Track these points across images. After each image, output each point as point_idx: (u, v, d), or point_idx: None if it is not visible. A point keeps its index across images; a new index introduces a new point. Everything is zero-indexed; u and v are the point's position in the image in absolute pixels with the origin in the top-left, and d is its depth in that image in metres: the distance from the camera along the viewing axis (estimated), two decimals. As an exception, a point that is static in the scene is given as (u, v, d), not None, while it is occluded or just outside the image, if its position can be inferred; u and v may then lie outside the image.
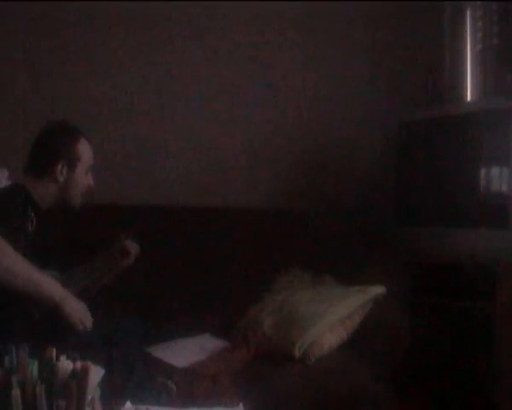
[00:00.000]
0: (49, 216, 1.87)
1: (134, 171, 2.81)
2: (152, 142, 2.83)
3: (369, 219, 2.58)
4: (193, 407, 1.52)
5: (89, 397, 1.09)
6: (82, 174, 1.88)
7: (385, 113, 2.72)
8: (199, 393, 1.75)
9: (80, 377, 1.08)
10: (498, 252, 2.20)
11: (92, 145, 1.93)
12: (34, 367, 1.09)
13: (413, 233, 2.50)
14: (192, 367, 1.95)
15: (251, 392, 1.77)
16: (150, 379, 1.75)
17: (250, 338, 2.09)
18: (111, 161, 2.71)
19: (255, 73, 2.87)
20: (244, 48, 2.86)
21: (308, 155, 2.88)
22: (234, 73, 2.86)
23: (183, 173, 2.83)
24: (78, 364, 1.10)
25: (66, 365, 1.10)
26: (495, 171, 2.34)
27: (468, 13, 2.70)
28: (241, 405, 1.48)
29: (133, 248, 1.97)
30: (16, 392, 1.04)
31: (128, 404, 1.33)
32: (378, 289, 2.19)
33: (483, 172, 2.38)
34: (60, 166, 1.82)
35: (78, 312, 1.65)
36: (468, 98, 2.71)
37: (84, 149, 1.89)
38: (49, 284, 1.61)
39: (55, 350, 1.13)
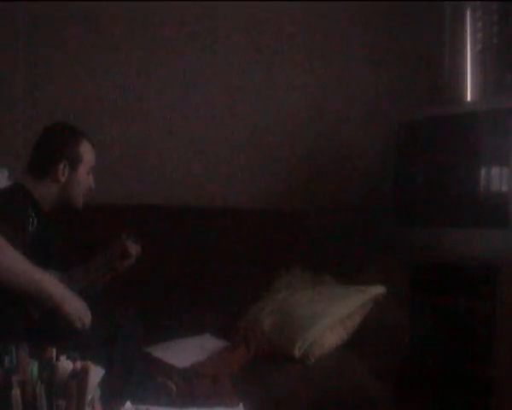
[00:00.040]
0: (49, 216, 1.87)
1: (134, 171, 2.80)
2: (152, 142, 2.83)
3: (369, 219, 2.58)
4: (193, 407, 1.52)
5: (89, 397, 1.09)
6: (83, 175, 1.88)
7: (385, 113, 2.72)
8: (199, 393, 1.76)
9: (80, 377, 1.08)
10: (498, 252, 2.20)
11: (92, 144, 1.93)
12: (34, 367, 1.09)
13: (413, 233, 2.50)
14: (192, 367, 1.95)
15: (251, 392, 1.77)
16: (150, 379, 1.75)
17: (250, 338, 2.09)
18: (111, 161, 2.70)
19: (255, 73, 2.87)
20: (244, 48, 2.86)
21: (308, 155, 2.88)
22: (234, 73, 2.86)
23: (183, 173, 2.83)
24: (78, 364, 1.10)
25: (66, 365, 1.10)
26: (495, 171, 2.34)
27: (468, 13, 2.70)
28: (241, 405, 1.49)
29: (134, 249, 1.97)
30: (16, 392, 1.04)
31: (128, 404, 1.33)
32: (378, 289, 2.19)
33: (483, 172, 2.38)
34: (61, 167, 1.83)
35: (78, 310, 1.65)
36: (468, 98, 2.71)
37: (87, 151, 1.89)
38: (49, 283, 1.61)
39: (55, 350, 1.13)
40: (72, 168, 1.85)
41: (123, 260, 1.97)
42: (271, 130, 2.87)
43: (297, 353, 1.99)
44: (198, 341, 2.18)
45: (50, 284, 1.61)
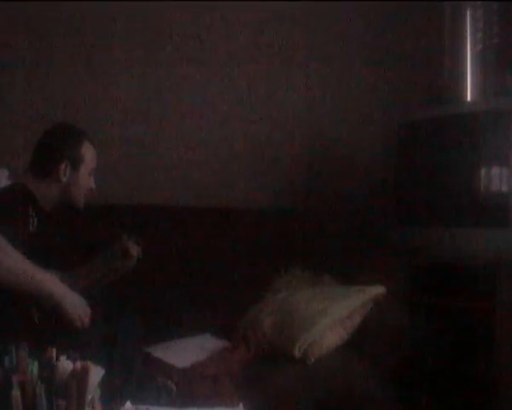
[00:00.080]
0: (50, 216, 1.87)
1: (134, 171, 2.80)
2: (152, 142, 2.83)
3: (369, 219, 2.58)
4: (193, 407, 1.52)
5: (89, 397, 1.09)
6: (85, 176, 1.88)
7: (385, 113, 2.72)
8: (199, 393, 1.75)
9: (80, 377, 1.08)
10: (498, 252, 2.20)
11: (93, 145, 1.93)
12: (34, 367, 1.09)
13: (413, 233, 2.50)
14: (192, 367, 1.95)
15: (251, 392, 1.77)
16: (150, 379, 1.75)
17: (250, 338, 2.09)
18: (111, 161, 2.70)
19: (255, 73, 2.87)
20: (244, 48, 2.86)
21: (308, 155, 2.88)
22: (234, 73, 2.86)
23: (184, 173, 2.83)
24: (78, 364, 1.10)
25: (66, 365, 1.10)
26: (495, 171, 2.34)
27: (468, 13, 2.70)
28: (241, 405, 1.48)
29: (135, 249, 1.97)
30: (16, 392, 1.04)
31: (128, 404, 1.33)
32: (378, 289, 2.19)
33: (483, 172, 2.38)
34: (63, 167, 1.83)
35: (78, 309, 1.65)
36: (468, 98, 2.71)
37: (88, 152, 1.89)
38: (49, 282, 1.61)
39: (55, 350, 1.13)
40: (73, 169, 1.85)
41: (124, 260, 1.97)
42: (271, 130, 2.87)
43: (297, 353, 1.99)
44: (198, 341, 2.18)
45: (51, 283, 1.61)
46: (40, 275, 1.59)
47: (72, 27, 2.78)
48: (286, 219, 2.63)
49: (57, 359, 1.12)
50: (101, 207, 2.37)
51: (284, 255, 2.50)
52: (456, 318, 2.31)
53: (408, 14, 2.79)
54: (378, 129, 2.74)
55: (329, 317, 2.08)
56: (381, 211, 2.60)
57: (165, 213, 2.57)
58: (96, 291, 1.99)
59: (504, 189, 2.26)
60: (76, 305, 1.65)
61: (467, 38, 2.70)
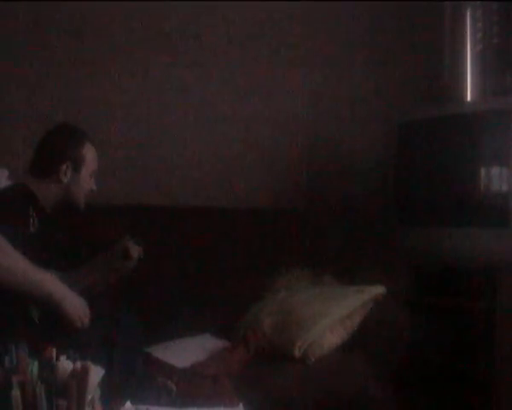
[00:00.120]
0: (51, 216, 1.87)
1: (134, 171, 2.80)
2: (152, 142, 2.83)
3: (369, 219, 2.58)
4: (193, 407, 1.52)
5: (89, 397, 1.09)
6: (86, 177, 1.88)
7: (385, 113, 2.72)
8: (199, 393, 1.75)
9: (80, 377, 1.08)
10: (498, 252, 2.20)
11: (95, 147, 1.94)
12: (34, 367, 1.09)
13: (413, 233, 2.50)
14: (192, 367, 1.95)
15: (251, 392, 1.77)
16: (150, 379, 1.75)
17: (250, 338, 2.09)
18: (111, 161, 2.70)
19: (255, 72, 2.87)
20: (244, 48, 2.86)
21: (308, 155, 2.88)
22: (234, 73, 2.86)
23: (184, 173, 2.83)
24: (78, 364, 1.10)
25: (66, 365, 1.10)
26: (495, 171, 2.35)
27: (468, 13, 2.70)
28: (241, 405, 1.49)
29: (136, 250, 1.97)
30: (16, 392, 1.04)
31: (128, 404, 1.33)
32: (378, 289, 2.19)
33: (483, 172, 2.38)
34: (64, 168, 1.83)
35: (78, 309, 1.65)
36: (468, 98, 2.71)
37: (90, 153, 1.89)
38: (49, 282, 1.61)
39: (55, 350, 1.13)
40: (74, 170, 1.85)
41: (124, 261, 1.97)
42: (271, 130, 2.87)
43: (297, 353, 1.99)
44: (198, 341, 2.18)
45: (51, 283, 1.61)
46: (40, 275, 1.59)
47: (72, 28, 2.77)
48: (286, 219, 2.63)
49: (57, 359, 1.12)
50: (102, 208, 2.37)
51: (284, 255, 2.50)
52: (456, 318, 2.31)
53: (408, 14, 2.79)
54: (378, 129, 2.74)
55: (329, 317, 2.08)
56: (381, 211, 2.60)
57: (165, 213, 2.57)
58: (96, 291, 1.99)
59: (504, 189, 2.26)
60: (76, 306, 1.65)
61: (467, 38, 2.71)
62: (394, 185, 2.60)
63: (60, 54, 2.77)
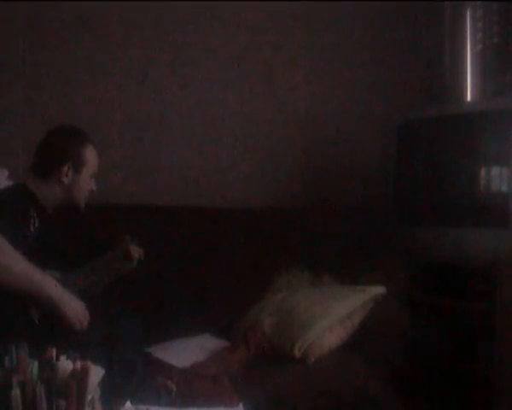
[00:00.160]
0: (51, 216, 1.87)
1: (134, 171, 2.80)
2: (152, 142, 2.83)
3: (369, 219, 2.58)
4: (193, 407, 1.53)
5: (89, 397, 1.09)
6: (87, 179, 1.88)
7: (385, 113, 2.72)
8: (199, 393, 1.75)
9: (80, 377, 1.08)
10: (498, 252, 2.20)
11: (95, 147, 1.94)
12: (34, 367, 1.09)
13: (413, 233, 2.50)
14: (192, 367, 1.95)
15: (251, 392, 1.77)
16: (150, 379, 1.75)
17: (250, 338, 2.09)
18: (111, 161, 2.70)
19: (255, 72, 2.87)
20: (244, 48, 2.86)
21: (308, 155, 2.88)
22: (234, 73, 2.86)
23: (184, 173, 2.83)
24: (78, 364, 1.10)
25: (66, 365, 1.10)
26: (495, 171, 2.34)
27: (468, 13, 2.70)
28: (241, 405, 1.49)
29: (137, 252, 1.97)
30: (16, 392, 1.04)
31: (128, 404, 1.33)
32: (378, 289, 2.19)
33: (483, 172, 2.38)
34: (65, 169, 1.83)
35: (76, 312, 1.65)
36: (468, 98, 2.71)
37: (91, 155, 1.89)
38: (48, 284, 1.61)
39: (55, 350, 1.13)
40: (75, 171, 1.85)
41: (125, 262, 1.97)
42: (271, 130, 2.87)
43: (297, 353, 1.99)
44: (198, 341, 2.18)
45: (50, 285, 1.61)
46: (39, 277, 1.59)
47: (72, 27, 2.77)
48: (286, 219, 2.63)
49: (57, 359, 1.12)
50: (102, 208, 2.37)
51: (284, 255, 2.50)
52: (456, 317, 2.31)
53: (408, 14, 2.79)
54: (378, 129, 2.74)
55: (329, 317, 2.08)
56: (381, 211, 2.60)
57: (165, 213, 2.57)
58: (96, 291, 1.99)
59: (504, 189, 2.26)
60: (75, 309, 1.65)
61: (467, 38, 2.71)
62: (394, 185, 2.60)
63: (60, 54, 2.77)
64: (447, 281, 2.37)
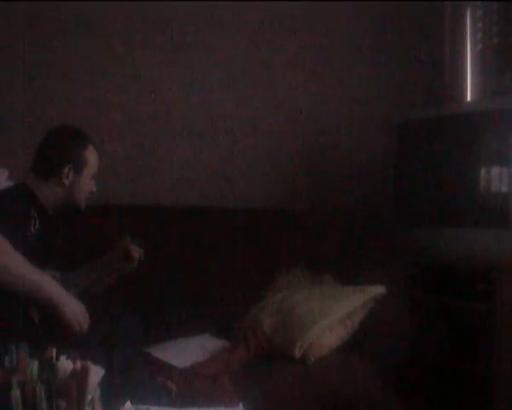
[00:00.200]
0: (51, 217, 1.87)
1: (134, 171, 2.81)
2: (152, 142, 2.83)
3: (369, 219, 2.58)
4: (193, 407, 1.52)
5: (89, 397, 1.09)
6: (87, 180, 1.88)
7: (385, 112, 2.72)
8: (199, 393, 1.75)
9: (80, 377, 1.08)
10: (498, 252, 2.20)
11: (96, 148, 1.94)
12: (34, 367, 1.09)
13: (413, 233, 2.50)
14: (192, 367, 1.95)
15: (251, 392, 1.77)
16: (150, 379, 1.75)
17: (250, 338, 2.09)
18: (111, 161, 2.70)
19: (255, 73, 2.87)
20: (244, 48, 2.86)
21: (308, 155, 2.88)
22: (234, 74, 2.86)
23: (184, 173, 2.83)
24: (78, 364, 1.10)
25: (66, 365, 1.10)
26: (495, 171, 2.34)
27: (468, 13, 2.70)
28: (241, 405, 1.49)
29: (137, 252, 1.97)
30: (16, 392, 1.04)
31: (128, 404, 1.33)
32: (378, 289, 2.19)
33: (483, 172, 2.38)
34: (66, 170, 1.83)
35: (76, 313, 1.65)
36: (468, 98, 2.71)
37: (92, 156, 1.89)
38: (48, 285, 1.61)
39: (55, 350, 1.13)
40: (76, 172, 1.85)
41: (125, 262, 1.97)
42: (271, 130, 2.87)
43: (297, 353, 1.99)
44: (198, 341, 2.18)
45: (49, 286, 1.61)
46: (39, 277, 1.59)
47: (72, 28, 2.78)
48: (286, 219, 2.63)
49: (57, 359, 1.12)
50: (102, 208, 2.37)
51: (284, 255, 2.50)
52: (456, 317, 2.31)
53: (408, 14, 2.79)
54: (378, 129, 2.74)
55: (329, 317, 2.08)
56: (381, 211, 2.60)
57: (165, 213, 2.57)
58: (97, 292, 1.99)
59: (504, 189, 2.26)
60: (75, 310, 1.65)
61: (467, 38, 2.70)
62: (394, 185, 2.59)
63: (60, 54, 2.77)
64: (447, 281, 2.37)
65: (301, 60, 2.88)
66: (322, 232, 2.57)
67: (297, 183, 2.86)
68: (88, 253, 2.07)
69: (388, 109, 2.72)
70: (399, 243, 2.52)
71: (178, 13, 2.82)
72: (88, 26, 2.78)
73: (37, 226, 1.77)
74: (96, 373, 1.12)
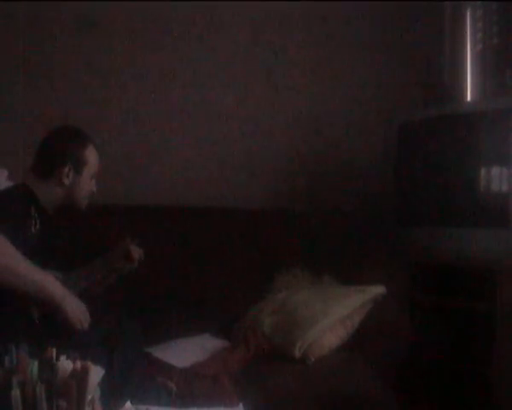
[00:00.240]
0: (52, 217, 1.87)
1: (134, 171, 2.81)
2: (152, 142, 2.83)
3: (369, 220, 2.58)
4: (193, 407, 1.53)
5: (89, 397, 1.09)
6: (87, 180, 1.88)
7: (385, 113, 2.72)
8: (199, 393, 1.76)
9: (80, 377, 1.08)
10: (498, 252, 2.20)
11: (97, 151, 1.94)
12: (34, 367, 1.09)
13: (413, 233, 2.50)
14: (192, 367, 1.95)
15: (251, 392, 1.77)
16: (150, 379, 1.75)
17: (250, 338, 2.09)
18: (111, 161, 2.70)
19: (255, 73, 2.87)
20: (244, 48, 2.86)
21: (308, 155, 2.88)
22: (234, 74, 2.86)
23: (184, 173, 2.83)
24: (78, 364, 1.10)
25: (66, 365, 1.10)
26: (495, 171, 2.34)
27: (468, 13, 2.70)
28: (241, 405, 1.49)
29: (137, 252, 1.97)
30: (16, 392, 1.04)
31: (128, 404, 1.33)
32: (378, 289, 2.19)
33: (483, 172, 2.38)
34: (66, 170, 1.83)
35: (77, 312, 1.65)
36: (468, 98, 2.71)
37: (92, 156, 1.89)
38: (50, 284, 1.61)
39: (55, 350, 1.13)
40: (76, 172, 1.85)
41: (125, 263, 1.97)
42: (271, 130, 2.87)
43: (297, 353, 1.99)
44: (198, 341, 2.18)
45: (51, 284, 1.61)
46: (40, 276, 1.59)
47: (72, 28, 2.78)
48: (286, 219, 2.63)
49: (57, 359, 1.12)
50: (102, 208, 2.37)
51: (284, 255, 2.50)
52: (456, 318, 2.31)
53: (408, 14, 2.79)
54: (378, 129, 2.74)
55: (329, 317, 2.08)
56: (381, 211, 2.60)
57: (165, 213, 2.57)
58: (97, 292, 1.99)
59: (504, 189, 2.26)
60: (76, 309, 1.65)
61: (467, 38, 2.70)
62: (394, 185, 2.59)
63: (60, 54, 2.77)
64: (447, 281, 2.37)
65: (301, 60, 2.88)
66: (322, 232, 2.57)
67: (297, 183, 2.86)
68: (88, 253, 2.07)
69: (388, 109, 2.72)
70: (399, 243, 2.52)
71: (178, 13, 2.82)
72: (88, 26, 2.78)
73: (37, 226, 1.77)
74: (96, 373, 1.11)
